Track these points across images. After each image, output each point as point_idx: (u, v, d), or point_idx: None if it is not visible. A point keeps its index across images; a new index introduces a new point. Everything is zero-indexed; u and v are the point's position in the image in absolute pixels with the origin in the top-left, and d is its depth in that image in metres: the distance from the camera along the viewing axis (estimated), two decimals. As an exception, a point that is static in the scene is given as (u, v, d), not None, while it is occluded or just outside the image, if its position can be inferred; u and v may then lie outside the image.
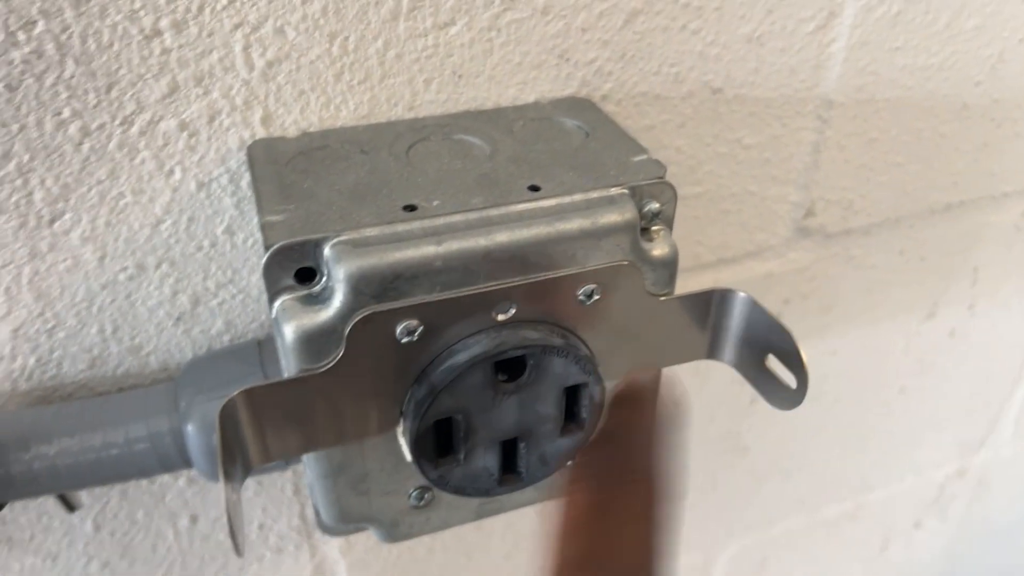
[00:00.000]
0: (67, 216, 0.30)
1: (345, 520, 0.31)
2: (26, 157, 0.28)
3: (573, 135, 0.32)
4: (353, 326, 0.25)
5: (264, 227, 0.26)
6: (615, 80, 0.35)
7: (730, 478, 0.57)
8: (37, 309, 0.32)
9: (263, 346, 0.34)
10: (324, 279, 0.26)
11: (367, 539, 0.46)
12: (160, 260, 0.32)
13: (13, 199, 0.29)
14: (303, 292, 0.26)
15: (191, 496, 0.40)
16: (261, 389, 0.25)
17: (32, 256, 0.31)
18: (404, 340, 0.26)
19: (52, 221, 0.30)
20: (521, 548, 0.52)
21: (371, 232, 0.26)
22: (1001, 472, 0.74)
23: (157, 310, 0.34)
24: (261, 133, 0.31)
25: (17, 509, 0.37)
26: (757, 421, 0.54)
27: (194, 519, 0.41)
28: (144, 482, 0.38)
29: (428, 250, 0.25)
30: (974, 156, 0.46)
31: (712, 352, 0.32)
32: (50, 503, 0.37)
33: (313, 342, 0.26)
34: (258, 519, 0.42)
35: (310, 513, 0.44)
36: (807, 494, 0.63)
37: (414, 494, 0.31)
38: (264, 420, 0.26)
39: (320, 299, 0.26)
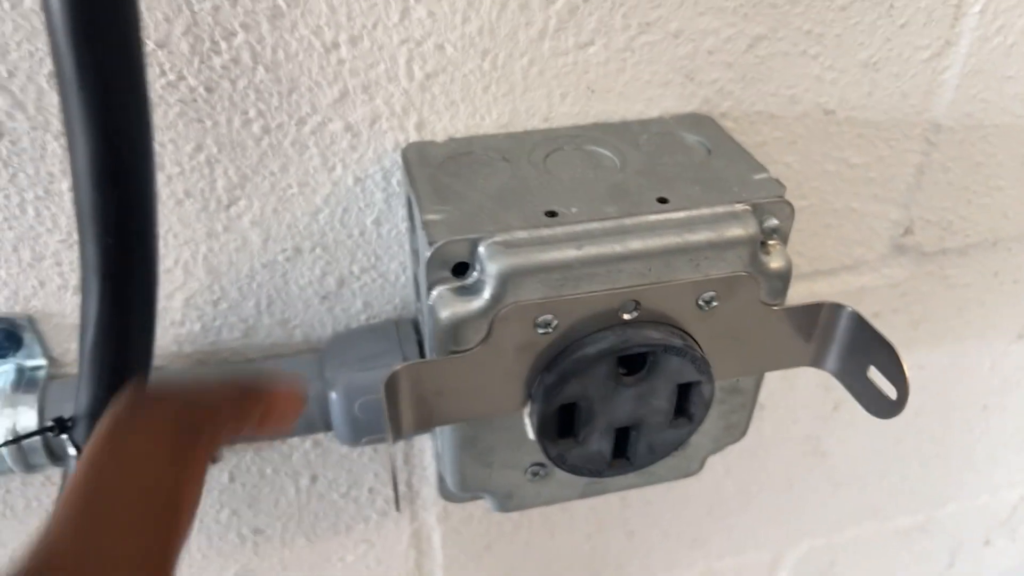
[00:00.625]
0: (242, 202, 0.34)
1: (467, 487, 0.34)
2: (215, 150, 0.33)
3: (695, 150, 0.34)
4: (499, 315, 0.29)
5: (427, 225, 0.29)
6: (734, 99, 0.37)
7: (807, 480, 0.59)
8: (207, 282, 0.36)
9: (400, 326, 0.38)
10: (477, 273, 0.29)
11: (462, 510, 0.50)
12: (315, 244, 0.36)
13: (199, 185, 0.33)
14: (457, 284, 0.29)
15: (314, 458, 0.44)
16: (420, 365, 0.29)
17: (209, 235, 0.35)
18: (541, 331, 0.29)
19: (229, 206, 0.34)
20: (602, 529, 0.55)
21: (520, 235, 0.29)
22: (1079, 497, 0.73)
23: (307, 288, 0.37)
24: (414, 137, 0.34)
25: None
26: (839, 427, 0.56)
27: (314, 478, 0.45)
28: (276, 442, 0.43)
29: (569, 253, 0.28)
30: (1078, 184, 0.47)
31: (816, 361, 0.34)
32: (196, 454, 0.42)
33: (463, 328, 0.29)
34: (368, 483, 0.46)
35: (416, 482, 0.47)
36: (881, 503, 0.64)
37: (531, 469, 0.35)
38: (419, 393, 0.29)
39: (472, 291, 0.29)
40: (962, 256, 0.48)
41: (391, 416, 0.28)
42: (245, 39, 0.30)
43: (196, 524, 0.44)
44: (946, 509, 0.68)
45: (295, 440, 0.43)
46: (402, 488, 0.47)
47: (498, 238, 0.28)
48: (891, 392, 0.31)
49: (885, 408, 0.31)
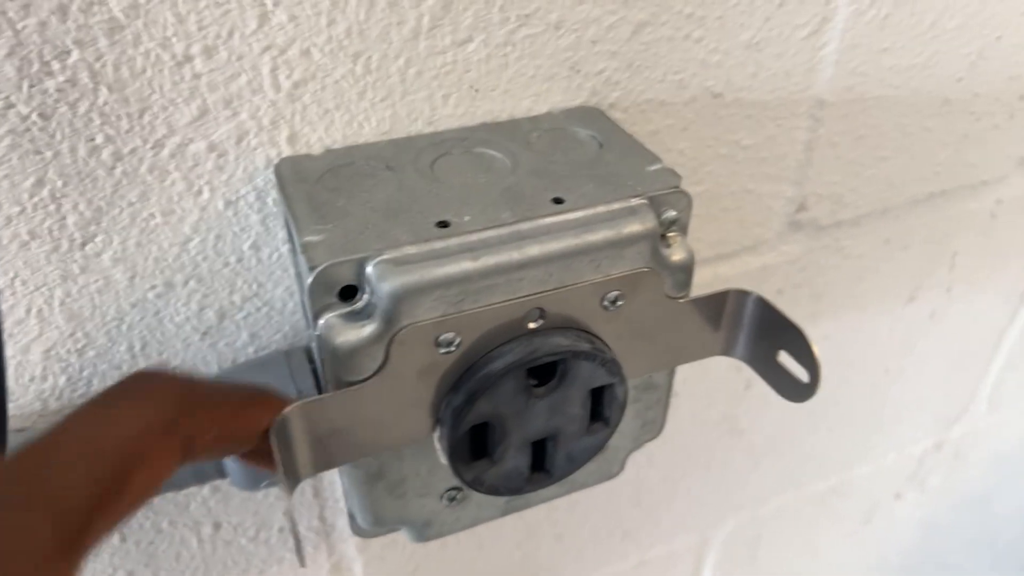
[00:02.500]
0: (99, 239, 0.31)
1: (381, 523, 0.32)
2: (60, 183, 0.29)
3: (587, 145, 0.33)
4: (395, 338, 0.26)
5: (306, 247, 0.27)
6: (622, 89, 0.36)
7: (727, 459, 0.59)
8: (68, 330, 0.32)
9: (291, 356, 0.35)
10: (367, 296, 0.27)
11: (383, 537, 0.47)
12: (188, 277, 0.33)
13: (46, 224, 0.30)
14: (346, 309, 0.27)
15: (215, 504, 0.41)
16: (310, 405, 0.26)
17: (64, 278, 0.31)
18: (443, 351, 0.28)
19: (84, 244, 0.31)
20: (531, 536, 0.54)
21: (410, 250, 0.27)
22: (976, 445, 0.77)
23: (184, 325, 0.34)
24: (287, 151, 0.32)
25: (47, 524, 0.37)
26: (753, 405, 0.56)
27: (217, 526, 0.42)
28: (168, 494, 0.39)
29: (465, 266, 0.27)
30: (955, 148, 0.48)
31: (727, 349, 0.33)
32: (78, 516, 0.38)
33: (356, 356, 0.27)
34: (278, 523, 0.43)
35: (329, 515, 0.45)
36: (797, 472, 0.66)
37: (447, 495, 0.33)
38: (314, 434, 0.27)
39: (363, 315, 0.27)
40: (855, 227, 0.49)
41: (284, 464, 0.25)
42: (81, 57, 0.27)
43: (88, 592, 0.40)
44: (858, 470, 0.70)
45: (191, 488, 0.39)
46: (315, 523, 0.44)
47: (387, 256, 0.26)
48: (803, 375, 0.31)
49: (798, 392, 0.31)
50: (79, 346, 0.33)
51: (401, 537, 0.48)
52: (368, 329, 0.27)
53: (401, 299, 0.26)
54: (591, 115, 0.35)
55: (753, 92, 0.39)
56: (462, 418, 0.28)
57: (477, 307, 0.27)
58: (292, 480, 0.26)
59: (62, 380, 0.33)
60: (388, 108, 0.32)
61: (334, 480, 0.43)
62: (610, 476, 0.37)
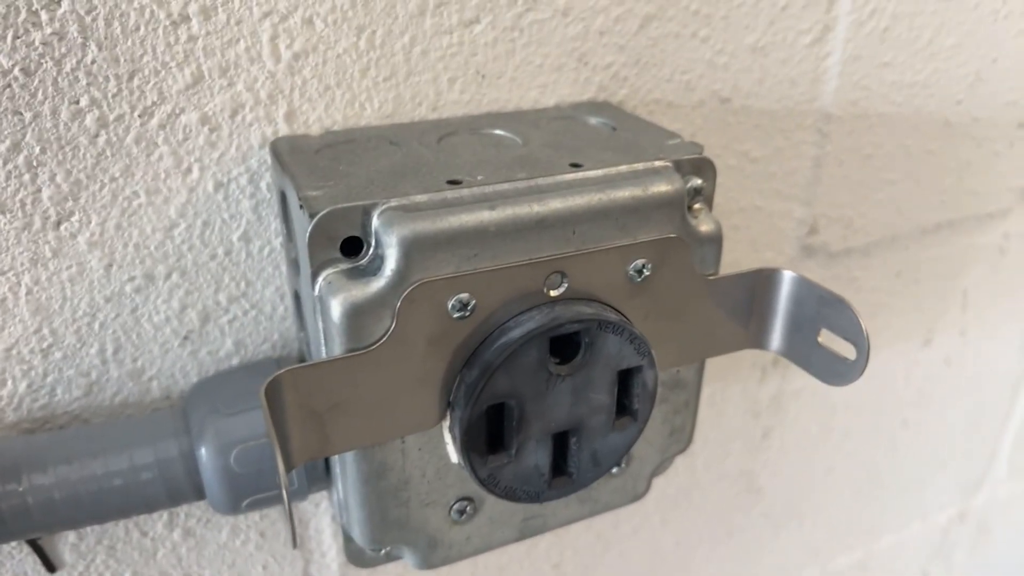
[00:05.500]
0: (75, 217, 0.28)
1: (380, 538, 0.28)
2: (37, 149, 0.27)
3: (600, 129, 0.32)
4: (406, 296, 0.24)
5: (306, 200, 0.24)
6: (630, 86, 0.35)
7: (745, 524, 0.55)
8: (34, 325, 0.29)
9: (282, 364, 0.32)
10: (372, 249, 0.24)
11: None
12: (171, 269, 0.30)
13: (19, 196, 0.27)
14: (349, 265, 0.24)
15: (185, 553, 0.36)
16: (308, 369, 0.23)
17: (34, 262, 0.28)
18: (456, 315, 0.25)
19: (59, 223, 0.28)
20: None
21: (421, 199, 0.24)
22: (998, 515, 0.73)
23: (163, 327, 0.31)
24: (284, 130, 0.30)
25: (-10, 570, 0.32)
26: (771, 458, 0.52)
27: (188, 580, 0.37)
28: (135, 536, 0.34)
29: (482, 215, 0.24)
30: (959, 174, 0.48)
31: (758, 339, 0.31)
32: (28, 563, 0.33)
33: (361, 317, 0.24)
34: (257, 579, 0.38)
35: (314, 571, 0.40)
36: (820, 542, 0.61)
37: (455, 506, 0.29)
38: (310, 407, 0.23)
39: (368, 271, 0.24)
40: (866, 256, 0.47)
41: (278, 433, 0.22)
42: (71, 8, 0.25)
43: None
44: (882, 542, 0.65)
45: (159, 531, 0.35)
46: (299, 580, 0.39)
47: (395, 203, 0.24)
48: (849, 352, 0.28)
49: (844, 371, 0.28)
50: (44, 345, 0.29)
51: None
52: (375, 285, 0.24)
53: (411, 250, 0.24)
54: (601, 107, 0.34)
55: (760, 99, 0.39)
56: (477, 396, 0.25)
57: (494, 265, 0.25)
58: (285, 453, 0.22)
59: (22, 386, 0.30)
60: (392, 89, 0.31)
61: (321, 528, 0.38)
62: (635, 497, 0.33)
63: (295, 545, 0.20)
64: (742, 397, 0.48)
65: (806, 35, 0.38)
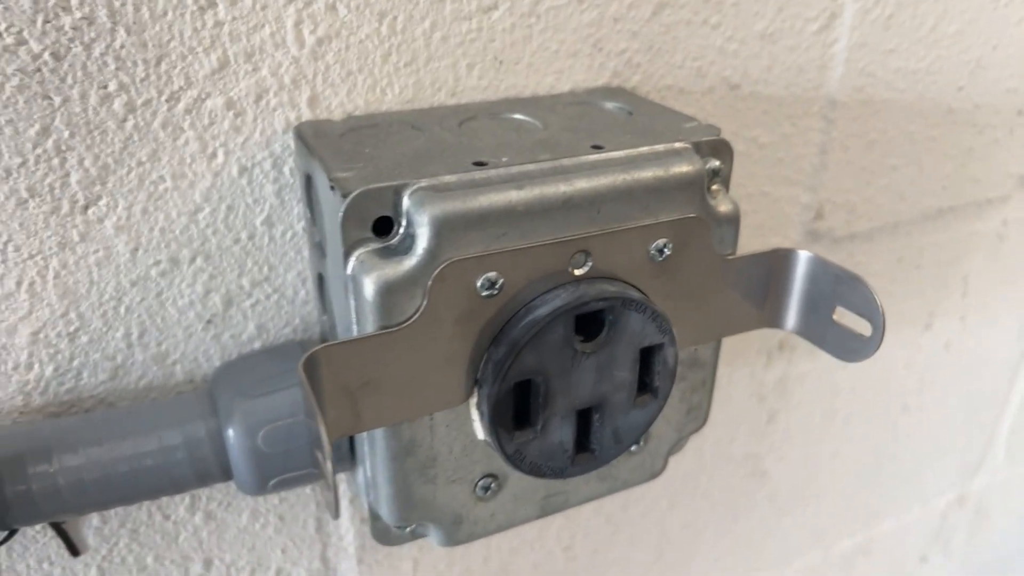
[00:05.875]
0: (103, 201, 0.28)
1: (407, 515, 0.29)
2: (66, 133, 0.27)
3: (616, 114, 0.32)
4: (437, 274, 0.24)
5: (337, 181, 0.25)
6: (643, 72, 0.36)
7: (750, 507, 0.56)
8: (61, 308, 0.29)
9: (306, 346, 0.32)
10: (403, 228, 0.25)
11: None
12: (195, 253, 0.31)
13: (48, 180, 0.27)
14: (380, 244, 0.25)
15: (207, 536, 0.36)
16: (343, 346, 0.24)
17: (62, 246, 0.28)
18: (485, 293, 0.25)
19: (87, 207, 0.28)
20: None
21: (450, 179, 0.25)
22: (996, 499, 0.74)
23: (187, 311, 0.31)
24: (307, 115, 0.30)
25: (15, 554, 0.33)
26: (776, 442, 0.53)
27: (208, 563, 0.37)
28: (157, 519, 0.35)
29: (511, 195, 0.25)
30: (960, 161, 0.48)
31: (774, 318, 0.31)
32: (52, 547, 0.33)
33: (394, 295, 0.24)
34: (276, 562, 0.39)
35: (332, 555, 0.40)
36: (823, 526, 0.62)
37: (480, 483, 0.29)
38: (343, 384, 0.24)
39: (399, 250, 0.25)
40: (869, 242, 0.48)
41: (318, 401, 0.22)
42: (100, -7, 0.26)
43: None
44: (883, 526, 0.66)
45: (181, 514, 0.35)
46: (316, 564, 0.40)
47: (424, 183, 0.24)
48: (865, 328, 0.28)
49: (859, 348, 0.29)
50: (71, 329, 0.30)
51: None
52: (407, 263, 0.24)
53: (442, 229, 0.24)
54: (616, 92, 0.35)
55: (769, 86, 0.39)
56: (505, 373, 0.26)
57: (522, 244, 0.25)
58: (325, 418, 0.23)
59: (49, 370, 0.30)
60: (412, 75, 0.31)
61: (339, 519, 0.39)
62: (653, 474, 0.33)
63: (336, 516, 0.21)
64: (748, 381, 0.49)
65: (813, 22, 0.39)
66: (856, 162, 0.45)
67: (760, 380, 0.50)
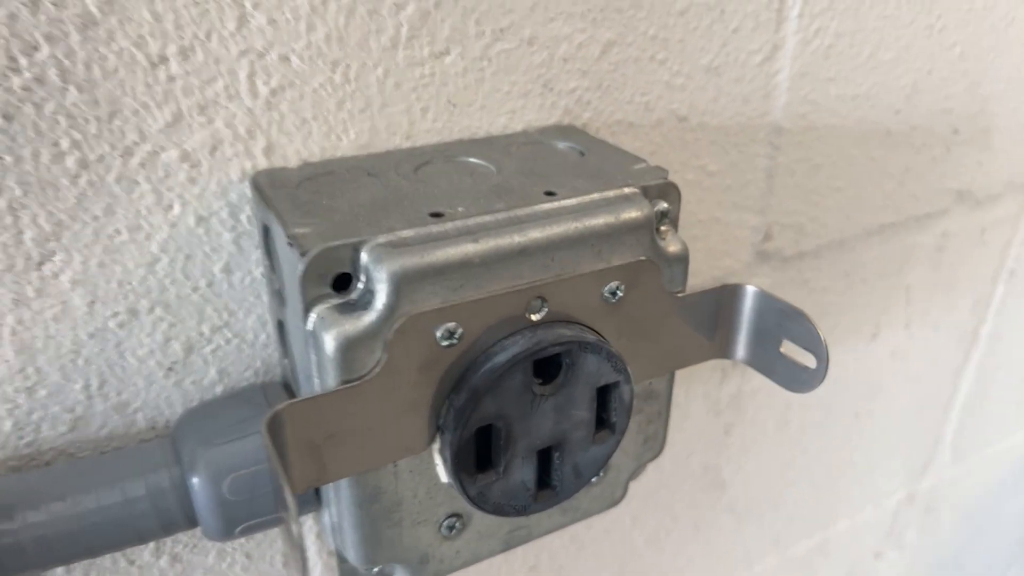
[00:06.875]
0: (58, 257, 0.28)
1: (374, 557, 0.29)
2: (18, 192, 0.27)
3: (568, 154, 0.33)
4: (397, 329, 0.25)
5: (295, 238, 0.25)
6: (593, 109, 0.37)
7: (710, 517, 0.57)
8: (17, 364, 0.29)
9: (267, 389, 0.32)
10: (362, 284, 0.25)
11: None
12: (154, 304, 0.31)
13: (1, 239, 0.27)
14: (339, 300, 0.25)
15: (172, 579, 0.36)
16: (306, 403, 0.24)
17: (17, 303, 0.28)
18: (445, 343, 0.26)
19: (41, 263, 0.28)
20: None
21: (407, 234, 0.25)
22: (944, 497, 0.77)
23: (148, 360, 0.31)
24: (263, 164, 0.30)
25: (-23, 608, 0.32)
26: (733, 453, 0.55)
27: (175, 606, 0.37)
28: (122, 565, 0.35)
29: (467, 247, 0.25)
30: (900, 179, 0.50)
31: (724, 350, 0.32)
32: (14, 599, 0.33)
33: (354, 350, 0.25)
34: (244, 602, 0.39)
35: (300, 589, 0.40)
36: (781, 530, 0.64)
37: (445, 522, 0.30)
38: (308, 439, 0.24)
39: (359, 305, 0.25)
40: (816, 259, 0.50)
41: (282, 459, 0.23)
42: (51, 53, 0.26)
43: None
44: (838, 526, 0.68)
45: (146, 559, 0.35)
46: (285, 599, 0.40)
47: (382, 239, 0.25)
48: (809, 361, 0.30)
49: (806, 379, 0.30)
50: (29, 384, 0.30)
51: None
52: (367, 319, 0.25)
53: (400, 284, 0.25)
54: (567, 131, 0.35)
55: (716, 117, 0.41)
56: (466, 419, 0.26)
57: (479, 295, 0.26)
58: (290, 481, 0.23)
59: (8, 424, 0.30)
60: (367, 120, 0.32)
61: (306, 547, 0.39)
62: (613, 503, 0.34)
63: None
64: (704, 398, 0.51)
65: (757, 54, 0.40)
66: (802, 185, 0.46)
67: (716, 396, 0.51)
